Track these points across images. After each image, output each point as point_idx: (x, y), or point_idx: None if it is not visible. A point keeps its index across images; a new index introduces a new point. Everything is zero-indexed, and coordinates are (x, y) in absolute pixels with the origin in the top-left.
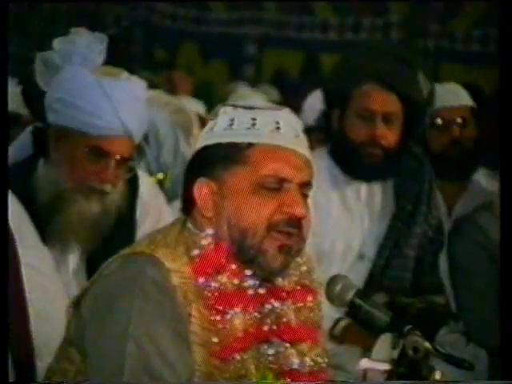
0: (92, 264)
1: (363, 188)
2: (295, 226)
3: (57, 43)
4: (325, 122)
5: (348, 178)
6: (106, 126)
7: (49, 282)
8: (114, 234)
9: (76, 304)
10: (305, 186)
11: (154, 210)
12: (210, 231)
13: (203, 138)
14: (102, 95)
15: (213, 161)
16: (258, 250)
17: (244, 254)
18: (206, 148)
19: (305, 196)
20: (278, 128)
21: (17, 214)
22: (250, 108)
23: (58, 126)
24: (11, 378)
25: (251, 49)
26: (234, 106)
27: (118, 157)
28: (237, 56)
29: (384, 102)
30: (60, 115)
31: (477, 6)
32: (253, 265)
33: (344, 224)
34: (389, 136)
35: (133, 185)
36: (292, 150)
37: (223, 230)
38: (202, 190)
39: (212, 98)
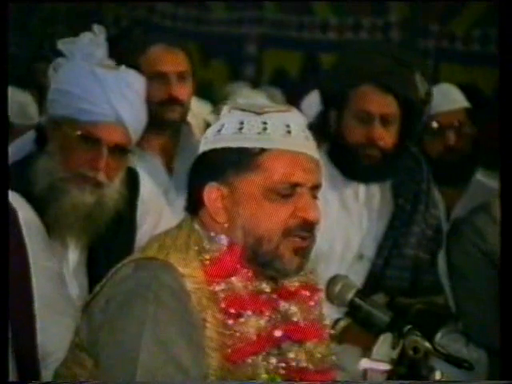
0: (93, 265)
1: (361, 188)
2: (309, 230)
3: (60, 44)
4: (322, 123)
5: (346, 178)
6: (98, 111)
7: (58, 293)
8: (114, 234)
9: (86, 309)
10: (316, 188)
11: (155, 210)
12: (221, 235)
13: (210, 141)
14: (95, 82)
15: (223, 165)
16: (274, 255)
17: (259, 258)
18: (214, 151)
19: (315, 198)
20: (289, 132)
21: (29, 224)
22: (259, 112)
23: (54, 115)
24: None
25: (251, 49)
26: (242, 109)
27: (110, 144)
28: (237, 56)
29: (381, 103)
30: (56, 105)
31: (477, 6)
32: (268, 268)
33: (342, 224)
34: (386, 137)
35: (133, 185)
36: (303, 154)
37: (237, 236)
38: (213, 194)
39: (212, 98)
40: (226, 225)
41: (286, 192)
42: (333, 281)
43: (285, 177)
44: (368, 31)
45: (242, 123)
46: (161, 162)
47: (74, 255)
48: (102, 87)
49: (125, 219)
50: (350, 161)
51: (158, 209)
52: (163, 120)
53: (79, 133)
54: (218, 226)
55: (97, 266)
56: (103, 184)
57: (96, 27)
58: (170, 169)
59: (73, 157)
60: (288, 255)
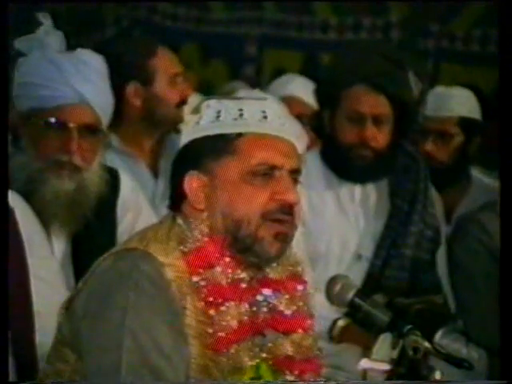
0: (77, 258)
1: (357, 188)
2: (288, 213)
3: (16, 44)
4: (317, 123)
5: (341, 179)
6: (60, 95)
7: (57, 295)
8: (98, 223)
9: (68, 305)
10: (295, 172)
11: (135, 207)
12: (202, 225)
13: (189, 133)
14: (54, 68)
15: (202, 153)
16: (254, 239)
17: (239, 243)
18: (193, 142)
19: (295, 182)
20: (265, 117)
21: (28, 224)
22: (236, 99)
23: (21, 110)
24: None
25: (251, 49)
26: (218, 99)
27: (78, 125)
28: (237, 56)
29: (373, 103)
30: (21, 99)
31: (477, 6)
32: (249, 253)
33: (339, 225)
34: (379, 138)
35: (114, 184)
36: (280, 138)
37: (217, 222)
38: (193, 183)
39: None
40: (205, 212)
41: (265, 172)
42: (333, 281)
43: (262, 159)
44: (368, 31)
45: (219, 112)
46: (145, 166)
47: (60, 246)
48: (60, 72)
49: (106, 213)
50: (343, 161)
51: (137, 206)
52: (179, 121)
53: (46, 120)
54: (198, 214)
55: (81, 260)
56: (81, 168)
57: (41, 15)
58: (155, 172)
59: (45, 145)
60: (268, 239)
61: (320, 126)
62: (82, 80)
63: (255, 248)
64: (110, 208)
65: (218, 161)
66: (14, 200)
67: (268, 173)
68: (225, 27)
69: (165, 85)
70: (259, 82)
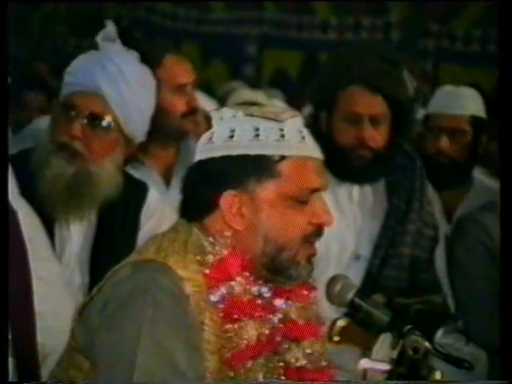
0: (97, 256)
1: (355, 189)
2: (321, 235)
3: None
4: (313, 125)
5: (339, 180)
6: (78, 82)
7: (59, 296)
8: (115, 221)
9: (82, 311)
10: (324, 191)
11: (159, 215)
12: (226, 240)
13: (221, 147)
14: (83, 59)
15: (241, 173)
16: (291, 262)
17: (276, 265)
18: (227, 158)
19: None
20: (304, 137)
21: (30, 226)
22: (276, 119)
23: (60, 99)
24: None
25: (251, 49)
26: (253, 115)
27: (85, 112)
28: (237, 56)
29: (370, 104)
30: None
31: (477, 6)
32: (281, 275)
33: (338, 226)
34: (377, 138)
35: (141, 195)
36: (317, 159)
37: (257, 244)
38: (231, 202)
39: (212, 98)
40: (244, 232)
41: (305, 198)
42: (333, 281)
43: (306, 183)
44: (368, 31)
45: (257, 130)
46: (158, 175)
47: (77, 239)
48: (87, 62)
49: (130, 218)
50: (341, 162)
51: (162, 215)
52: (184, 132)
53: (59, 103)
54: (226, 231)
55: (100, 259)
56: (83, 155)
57: (106, 21)
58: (167, 182)
59: (54, 128)
60: (303, 263)
61: (316, 128)
62: (102, 73)
63: (290, 271)
64: (134, 215)
65: (259, 182)
66: (17, 201)
67: (308, 198)
68: (225, 27)
69: (169, 96)
70: (259, 82)
